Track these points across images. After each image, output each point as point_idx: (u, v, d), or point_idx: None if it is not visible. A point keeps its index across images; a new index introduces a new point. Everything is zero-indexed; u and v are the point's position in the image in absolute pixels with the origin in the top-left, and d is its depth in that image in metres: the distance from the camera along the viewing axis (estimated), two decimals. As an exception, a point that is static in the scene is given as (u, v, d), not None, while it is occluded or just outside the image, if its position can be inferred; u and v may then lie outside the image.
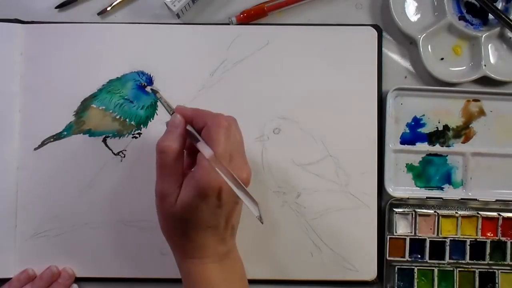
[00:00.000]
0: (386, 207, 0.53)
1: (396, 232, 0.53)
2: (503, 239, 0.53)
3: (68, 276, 0.51)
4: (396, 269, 0.52)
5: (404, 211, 0.53)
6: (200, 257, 0.42)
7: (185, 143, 0.42)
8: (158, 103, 0.53)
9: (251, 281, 0.52)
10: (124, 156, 0.52)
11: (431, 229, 0.53)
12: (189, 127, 0.41)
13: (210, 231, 0.41)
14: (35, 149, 0.52)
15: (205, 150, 0.39)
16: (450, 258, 0.53)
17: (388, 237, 0.52)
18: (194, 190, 0.39)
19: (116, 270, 0.52)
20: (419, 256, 0.53)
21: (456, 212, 0.53)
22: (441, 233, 0.53)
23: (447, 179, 0.54)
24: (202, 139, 0.40)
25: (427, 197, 0.53)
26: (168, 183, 0.40)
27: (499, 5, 0.54)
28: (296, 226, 0.52)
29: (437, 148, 0.54)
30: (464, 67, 0.54)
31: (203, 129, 0.40)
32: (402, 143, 0.54)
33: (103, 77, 0.53)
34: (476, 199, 0.53)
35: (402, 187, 0.54)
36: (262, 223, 0.37)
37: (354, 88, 0.53)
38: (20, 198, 0.52)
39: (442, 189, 0.54)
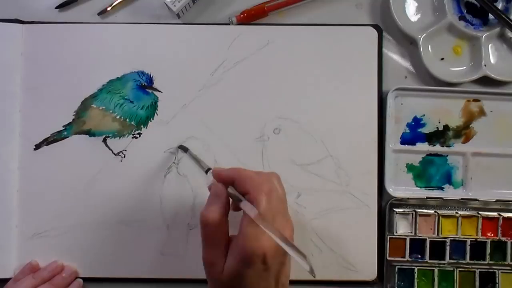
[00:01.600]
0: (386, 207, 0.53)
1: (396, 232, 0.53)
2: (504, 239, 0.53)
3: (71, 271, 0.51)
4: (397, 269, 0.52)
5: (404, 211, 0.53)
6: None
7: (229, 209, 0.41)
8: (158, 103, 0.53)
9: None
10: (124, 156, 0.52)
11: (431, 229, 0.53)
12: (231, 189, 0.41)
13: None
14: (35, 149, 0.52)
15: (249, 210, 0.38)
16: (450, 258, 0.53)
17: (388, 237, 0.52)
18: (239, 258, 0.38)
19: (116, 270, 0.52)
20: (419, 256, 0.53)
21: (456, 212, 0.53)
22: (441, 233, 0.53)
23: (447, 179, 0.54)
24: (245, 199, 0.40)
25: (427, 197, 0.53)
26: (214, 253, 0.40)
27: (499, 5, 0.54)
28: (296, 226, 0.52)
29: (437, 148, 0.54)
30: (464, 67, 0.54)
31: (246, 194, 0.40)
32: (402, 143, 0.54)
33: (103, 77, 0.53)
34: (476, 199, 0.53)
35: (402, 187, 0.54)
36: (314, 276, 0.37)
37: (354, 88, 0.53)
38: (20, 198, 0.52)
39: (442, 189, 0.54)
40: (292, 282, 0.52)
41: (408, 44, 0.55)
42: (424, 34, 0.53)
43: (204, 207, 0.41)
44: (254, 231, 0.38)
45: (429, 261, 0.52)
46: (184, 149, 0.51)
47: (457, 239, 0.53)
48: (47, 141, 0.52)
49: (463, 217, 0.53)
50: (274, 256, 0.39)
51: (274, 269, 0.40)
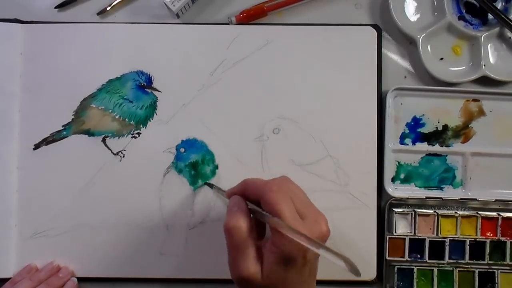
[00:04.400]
0: (385, 207, 0.53)
1: (395, 232, 0.53)
2: (503, 239, 0.53)
3: (67, 272, 0.51)
4: (396, 269, 0.52)
5: (403, 211, 0.53)
6: None
7: (251, 219, 0.40)
8: (158, 103, 0.53)
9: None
10: (124, 156, 0.52)
11: (430, 229, 0.53)
12: (250, 205, 0.40)
13: (298, 286, 0.40)
14: (35, 149, 0.52)
15: (274, 222, 0.37)
16: (449, 258, 0.53)
17: (388, 237, 0.52)
18: (280, 259, 0.38)
19: (116, 270, 0.52)
20: (419, 256, 0.53)
21: (456, 212, 0.53)
22: (440, 233, 0.53)
23: (447, 179, 0.54)
24: (266, 211, 0.39)
25: (426, 197, 0.53)
26: (248, 264, 0.39)
27: (499, 5, 0.54)
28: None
29: (436, 148, 0.54)
30: (464, 67, 0.54)
31: (261, 202, 0.39)
32: (401, 143, 0.54)
33: (102, 77, 0.53)
34: (475, 199, 0.53)
35: (401, 187, 0.54)
36: (359, 275, 0.35)
37: (354, 88, 0.53)
38: (20, 198, 0.52)
39: (441, 189, 0.54)
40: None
41: (408, 44, 0.55)
42: (424, 34, 0.53)
43: (226, 219, 0.39)
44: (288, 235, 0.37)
45: (428, 261, 0.52)
46: (210, 186, 0.52)
47: (456, 239, 0.53)
48: (46, 141, 0.52)
49: (463, 217, 0.53)
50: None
51: (311, 262, 0.40)
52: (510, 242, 0.53)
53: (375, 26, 0.54)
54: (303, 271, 0.39)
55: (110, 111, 0.53)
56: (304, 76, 0.53)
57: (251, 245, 0.39)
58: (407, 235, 0.53)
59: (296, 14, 0.55)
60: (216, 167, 0.52)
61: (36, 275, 0.51)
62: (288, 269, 0.38)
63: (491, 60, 0.54)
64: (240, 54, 0.53)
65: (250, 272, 0.39)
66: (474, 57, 0.54)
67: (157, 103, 0.53)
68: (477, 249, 0.53)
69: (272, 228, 0.38)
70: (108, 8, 0.54)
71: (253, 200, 0.40)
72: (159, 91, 0.53)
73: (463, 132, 0.54)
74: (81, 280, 0.52)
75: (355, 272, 0.35)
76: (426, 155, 0.54)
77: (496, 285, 0.52)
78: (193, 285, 0.52)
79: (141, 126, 0.53)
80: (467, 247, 0.53)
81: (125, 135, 0.53)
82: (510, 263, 0.53)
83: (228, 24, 0.53)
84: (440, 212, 0.53)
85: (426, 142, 0.54)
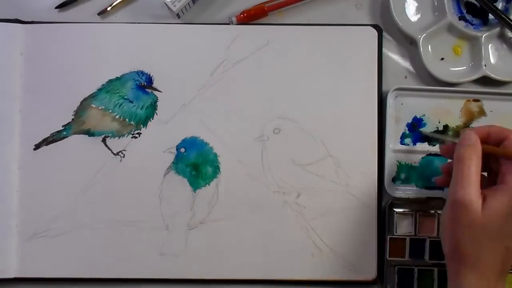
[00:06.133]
0: (386, 207, 0.53)
1: (396, 232, 0.52)
2: (504, 239, 0.53)
3: None
4: (396, 269, 0.52)
5: (404, 211, 0.53)
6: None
7: (482, 156, 0.40)
8: (158, 103, 0.53)
9: (251, 281, 0.52)
10: (124, 156, 0.52)
11: (431, 229, 0.53)
12: (485, 146, 0.41)
13: None
14: (35, 149, 0.52)
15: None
16: (450, 258, 0.52)
17: (388, 237, 0.52)
18: (508, 202, 0.38)
19: (115, 270, 0.52)
20: (420, 256, 0.53)
21: (456, 212, 0.53)
22: (441, 233, 0.53)
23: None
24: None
25: (427, 197, 0.53)
26: (472, 191, 0.39)
27: (499, 5, 0.54)
28: (296, 226, 0.52)
29: (437, 148, 0.54)
30: (464, 67, 0.54)
31: (505, 141, 0.40)
32: (402, 143, 0.54)
33: (102, 77, 0.53)
34: (476, 199, 0.53)
35: (402, 187, 0.54)
36: None
37: (354, 88, 0.53)
38: (20, 198, 0.52)
39: (442, 189, 0.54)
40: (293, 282, 0.53)
41: (408, 44, 0.55)
42: (424, 34, 0.53)
43: (456, 148, 0.41)
44: None
45: (429, 261, 0.52)
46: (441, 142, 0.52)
47: (457, 239, 0.53)
48: (46, 141, 0.52)
49: (463, 217, 0.53)
50: None
51: None
52: (511, 242, 0.53)
53: (375, 26, 0.54)
54: None
55: (110, 111, 0.53)
56: (304, 76, 0.53)
57: (478, 179, 0.39)
58: (407, 235, 0.52)
59: (296, 14, 0.55)
60: (217, 167, 0.52)
61: None
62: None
63: (492, 60, 0.54)
64: (241, 54, 0.53)
65: (472, 198, 0.38)
66: (474, 57, 0.54)
67: (157, 103, 0.53)
68: (477, 249, 0.53)
69: (504, 170, 0.39)
70: (108, 8, 0.54)
71: (494, 144, 0.41)
72: (159, 91, 0.53)
73: (463, 132, 0.54)
74: (81, 280, 0.52)
75: None
76: (427, 155, 0.54)
77: (497, 285, 0.52)
78: (193, 285, 0.52)
79: (141, 126, 0.53)
80: (468, 248, 0.52)
81: (125, 135, 0.53)
82: (511, 263, 0.53)
83: (228, 24, 0.53)
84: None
85: (426, 142, 0.54)
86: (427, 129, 0.54)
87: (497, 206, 0.38)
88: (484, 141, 0.42)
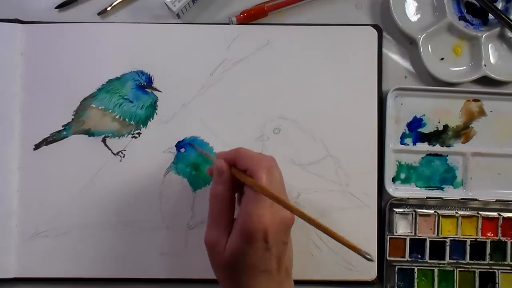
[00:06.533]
0: (386, 207, 0.53)
1: (396, 232, 0.52)
2: (503, 239, 0.53)
3: None
4: (396, 269, 0.52)
5: (404, 211, 0.53)
6: None
7: (233, 188, 0.41)
8: (158, 103, 0.53)
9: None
10: (124, 156, 0.52)
11: (431, 229, 0.53)
12: (233, 169, 0.41)
13: (263, 276, 0.40)
14: (35, 149, 0.52)
15: (251, 181, 0.39)
16: (450, 258, 0.52)
17: (388, 237, 0.52)
18: (240, 236, 0.38)
19: (115, 270, 0.52)
20: (419, 256, 0.53)
21: (456, 212, 0.53)
22: (441, 233, 0.53)
23: (447, 179, 0.54)
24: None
25: (427, 197, 0.53)
26: (216, 231, 0.40)
27: (499, 5, 0.54)
28: (296, 226, 0.52)
29: (437, 148, 0.54)
30: (464, 67, 0.54)
31: (246, 171, 0.40)
32: (402, 143, 0.54)
33: (102, 76, 0.53)
34: (476, 199, 0.53)
35: (402, 187, 0.54)
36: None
37: (354, 88, 0.53)
38: (20, 198, 0.52)
39: (442, 189, 0.54)
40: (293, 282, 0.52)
41: (408, 44, 0.55)
42: (424, 34, 0.53)
43: (211, 183, 0.41)
44: (255, 208, 0.38)
45: (429, 261, 0.52)
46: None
47: (457, 239, 0.53)
48: (46, 141, 0.52)
49: (463, 217, 0.53)
50: (276, 232, 0.38)
51: (276, 250, 0.39)
52: (511, 242, 0.53)
53: (375, 26, 0.54)
54: (265, 257, 0.39)
55: (110, 111, 0.53)
56: (304, 76, 0.53)
57: (226, 216, 0.40)
58: (407, 235, 0.52)
59: (296, 14, 0.55)
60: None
61: None
62: (247, 249, 0.38)
63: (492, 60, 0.54)
64: (241, 54, 0.53)
65: (216, 239, 0.40)
66: (474, 57, 0.54)
67: (157, 103, 0.53)
68: (477, 249, 0.53)
69: (241, 205, 0.39)
70: (108, 8, 0.54)
71: (240, 168, 0.41)
72: (159, 91, 0.53)
73: (463, 132, 0.54)
74: (81, 280, 0.52)
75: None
76: (427, 155, 0.54)
77: (497, 285, 0.52)
78: (193, 285, 0.52)
79: (141, 126, 0.53)
80: (468, 247, 0.52)
81: (125, 135, 0.53)
82: (510, 263, 0.53)
83: (228, 24, 0.53)
84: (441, 212, 0.53)
85: (426, 142, 0.54)
86: (428, 129, 0.54)
87: (231, 246, 0.39)
88: (233, 164, 0.42)
